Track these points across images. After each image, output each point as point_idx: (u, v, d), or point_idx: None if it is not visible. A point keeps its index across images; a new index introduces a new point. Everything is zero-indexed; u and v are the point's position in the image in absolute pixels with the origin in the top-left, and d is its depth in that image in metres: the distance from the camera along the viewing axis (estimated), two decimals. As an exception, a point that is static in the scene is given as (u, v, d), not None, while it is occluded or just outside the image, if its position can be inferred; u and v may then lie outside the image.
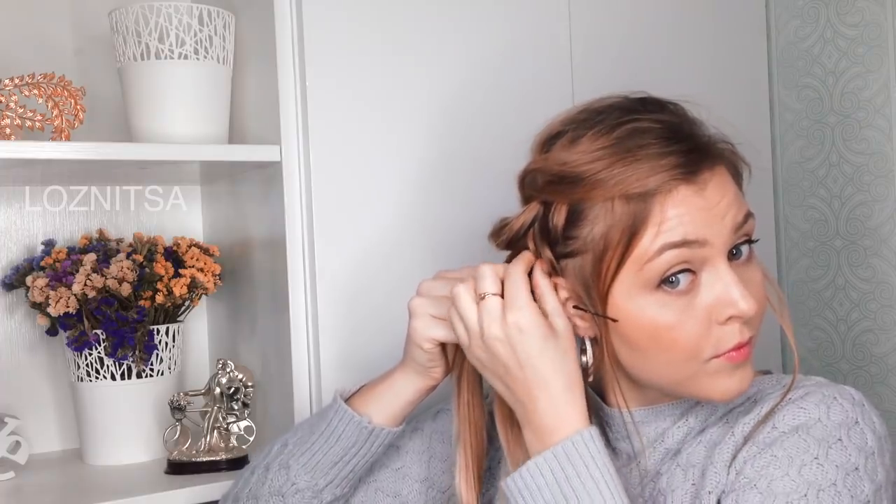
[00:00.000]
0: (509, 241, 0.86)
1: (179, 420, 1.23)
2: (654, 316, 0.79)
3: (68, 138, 1.12)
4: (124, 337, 1.21)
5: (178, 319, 1.30)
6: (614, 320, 0.80)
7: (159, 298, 1.23)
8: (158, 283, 1.24)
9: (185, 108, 1.20)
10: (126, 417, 1.26)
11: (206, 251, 1.31)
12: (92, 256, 1.23)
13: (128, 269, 1.22)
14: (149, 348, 1.24)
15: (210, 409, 1.23)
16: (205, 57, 1.20)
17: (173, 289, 1.24)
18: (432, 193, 1.22)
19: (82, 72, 1.33)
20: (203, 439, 1.22)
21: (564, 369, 0.80)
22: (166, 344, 1.27)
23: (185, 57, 1.19)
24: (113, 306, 1.20)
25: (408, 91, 1.21)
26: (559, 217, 0.81)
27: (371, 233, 1.19)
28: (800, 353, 1.60)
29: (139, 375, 1.25)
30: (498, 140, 1.25)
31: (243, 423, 1.24)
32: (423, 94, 1.22)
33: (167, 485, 1.15)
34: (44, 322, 1.27)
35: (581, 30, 1.34)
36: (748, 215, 0.81)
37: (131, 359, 1.24)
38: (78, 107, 1.14)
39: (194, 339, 1.45)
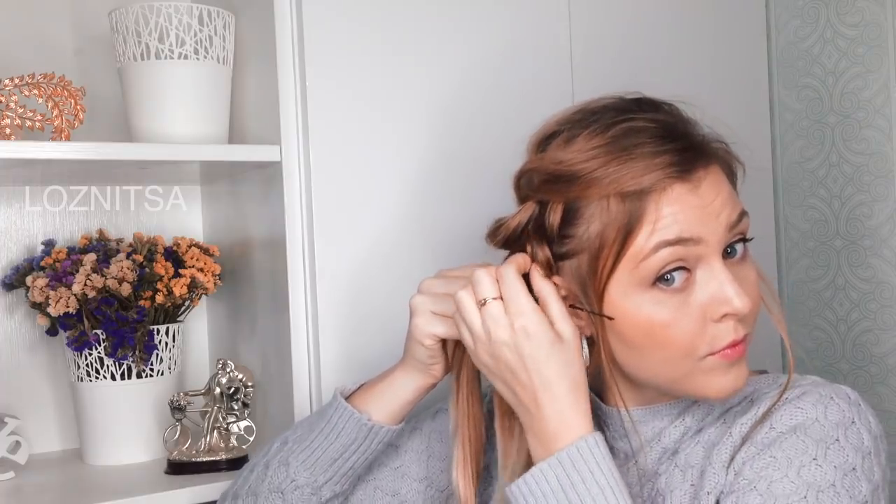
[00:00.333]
0: (505, 241, 0.86)
1: (179, 420, 1.23)
2: (650, 313, 0.79)
3: (68, 138, 1.12)
4: (124, 337, 1.21)
5: (178, 319, 1.30)
6: (610, 318, 0.81)
7: (159, 298, 1.24)
8: (158, 283, 1.24)
9: (185, 108, 1.20)
10: (126, 417, 1.26)
11: (206, 251, 1.31)
12: (92, 256, 1.23)
13: (128, 269, 1.22)
14: (149, 348, 1.24)
15: (210, 409, 1.23)
16: (205, 57, 1.20)
17: (173, 289, 1.24)
18: (432, 193, 1.22)
19: (82, 72, 1.33)
20: (203, 439, 1.22)
21: (570, 375, 0.80)
22: (166, 344, 1.27)
23: (185, 57, 1.19)
24: (113, 306, 1.20)
25: (408, 91, 1.21)
26: (555, 216, 0.82)
27: (371, 233, 1.19)
28: (800, 354, 1.60)
29: (139, 375, 1.25)
30: (498, 140, 1.25)
31: (243, 423, 1.24)
32: (423, 94, 1.22)
33: (167, 485, 1.15)
34: (44, 322, 1.27)
35: (581, 30, 1.34)
36: (742, 214, 0.82)
37: (131, 359, 1.24)
38: (78, 107, 1.14)
39: (194, 339, 1.45)
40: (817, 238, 1.57)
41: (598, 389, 0.91)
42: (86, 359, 1.24)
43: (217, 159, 1.18)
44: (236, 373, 1.24)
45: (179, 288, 1.24)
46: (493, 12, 1.27)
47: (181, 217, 1.44)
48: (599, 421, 0.91)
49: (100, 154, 1.09)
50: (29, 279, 1.24)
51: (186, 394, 1.24)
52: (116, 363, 1.24)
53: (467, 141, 1.24)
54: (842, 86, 1.52)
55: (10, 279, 1.29)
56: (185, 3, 1.19)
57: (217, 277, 1.29)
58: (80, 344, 1.22)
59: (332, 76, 1.17)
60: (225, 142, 1.25)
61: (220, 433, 1.23)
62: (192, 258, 1.28)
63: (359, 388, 0.96)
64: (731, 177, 0.85)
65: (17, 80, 1.11)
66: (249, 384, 1.24)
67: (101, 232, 1.33)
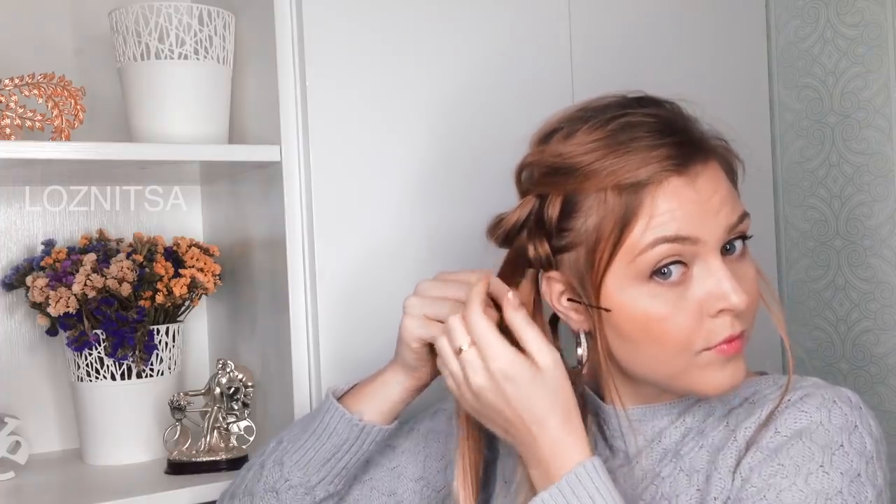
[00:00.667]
0: (506, 236, 0.87)
1: (179, 420, 1.23)
2: (646, 307, 0.79)
3: (68, 138, 1.12)
4: (124, 337, 1.21)
5: (178, 319, 1.30)
6: (607, 310, 0.81)
7: (159, 298, 1.24)
8: (158, 283, 1.24)
9: (185, 108, 1.20)
10: (126, 417, 1.26)
11: (206, 251, 1.31)
12: (92, 256, 1.23)
13: (128, 269, 1.22)
14: (149, 348, 1.24)
15: (210, 409, 1.23)
16: (205, 57, 1.20)
17: (173, 289, 1.24)
18: (432, 193, 1.22)
19: (82, 72, 1.33)
20: (203, 439, 1.22)
21: (559, 404, 0.80)
22: (166, 344, 1.27)
23: (185, 57, 1.19)
24: (113, 306, 1.20)
25: (408, 91, 1.21)
26: (554, 209, 0.82)
27: (371, 233, 1.19)
28: (800, 353, 1.60)
29: (139, 375, 1.25)
30: (498, 140, 1.25)
31: (243, 423, 1.24)
32: (423, 95, 1.22)
33: (167, 485, 1.15)
34: (44, 322, 1.27)
35: (581, 30, 1.34)
36: (743, 216, 0.82)
37: (131, 359, 1.24)
38: (78, 107, 1.14)
39: (194, 339, 1.45)
40: (817, 238, 1.57)
41: (597, 388, 0.91)
42: (86, 359, 1.24)
43: (217, 159, 1.18)
44: (236, 373, 1.24)
45: (179, 288, 1.24)
46: (493, 12, 1.27)
47: (181, 217, 1.44)
48: (599, 420, 0.91)
49: (100, 154, 1.09)
50: (29, 279, 1.24)
51: (186, 394, 1.24)
52: (116, 363, 1.24)
53: (467, 141, 1.25)
54: (842, 86, 1.52)
55: (10, 279, 1.29)
56: (185, 3, 1.19)
57: (217, 277, 1.29)
58: (80, 344, 1.22)
59: (332, 76, 1.17)
60: (225, 142, 1.25)
61: (220, 433, 1.23)
62: (192, 258, 1.28)
63: (351, 388, 0.97)
64: (731, 175, 0.85)
65: (17, 80, 1.11)
66: (249, 384, 1.24)
67: (101, 232, 1.33)
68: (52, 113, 1.12)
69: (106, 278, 1.21)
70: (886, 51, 1.47)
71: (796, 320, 1.60)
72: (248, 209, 1.30)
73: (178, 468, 1.20)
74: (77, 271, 1.21)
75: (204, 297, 1.39)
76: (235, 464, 1.19)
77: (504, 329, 0.82)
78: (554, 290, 0.86)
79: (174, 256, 1.28)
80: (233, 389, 1.23)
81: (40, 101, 1.12)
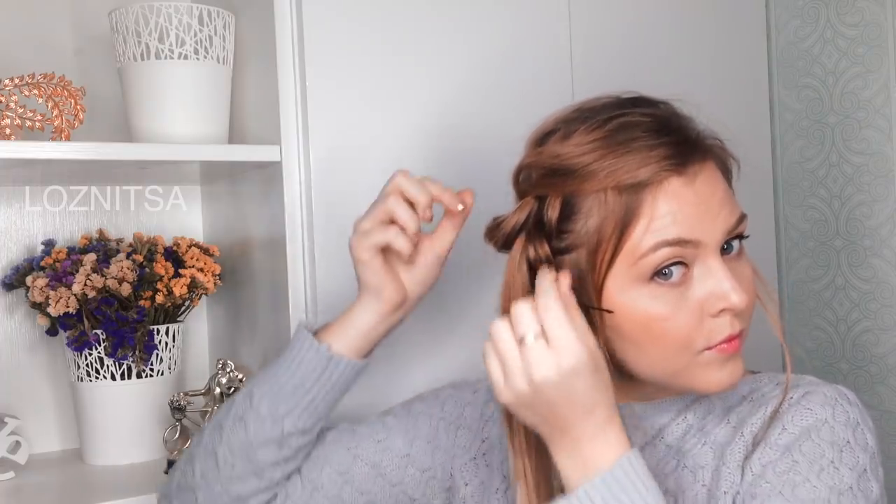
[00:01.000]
0: (505, 239, 0.86)
1: (179, 420, 1.23)
2: (647, 308, 0.80)
3: (68, 138, 1.12)
4: (124, 337, 1.21)
5: (178, 319, 1.30)
6: (609, 311, 0.81)
7: (159, 298, 1.24)
8: (158, 283, 1.24)
9: (185, 108, 1.20)
10: (126, 417, 1.26)
11: (206, 251, 1.31)
12: (92, 256, 1.23)
13: (128, 269, 1.22)
14: (149, 348, 1.24)
15: (210, 409, 1.23)
16: (205, 57, 1.20)
17: (173, 289, 1.24)
18: (432, 193, 1.22)
19: (82, 72, 1.33)
20: (203, 439, 1.22)
21: (606, 398, 0.77)
22: (166, 344, 1.27)
23: (185, 57, 1.19)
24: (113, 306, 1.20)
25: (408, 91, 1.21)
26: (553, 211, 0.82)
27: (371, 233, 1.19)
28: (800, 353, 1.60)
29: (139, 375, 1.26)
30: (498, 140, 1.24)
31: (243, 423, 1.24)
32: (423, 95, 1.22)
33: (167, 485, 1.15)
34: (44, 322, 1.27)
35: (581, 30, 1.34)
36: (741, 218, 0.83)
37: (131, 359, 1.24)
38: (78, 107, 1.14)
39: (194, 339, 1.45)
40: (817, 238, 1.57)
41: None
42: (86, 359, 1.24)
43: (217, 159, 1.18)
44: (236, 373, 1.24)
45: (179, 288, 1.24)
46: (493, 12, 1.27)
47: (181, 217, 1.44)
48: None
49: (100, 154, 1.09)
50: (29, 279, 1.24)
51: (186, 394, 1.24)
52: (116, 363, 1.24)
53: (467, 141, 1.24)
54: (842, 86, 1.52)
55: (10, 279, 1.29)
56: (185, 3, 1.19)
57: (217, 277, 1.29)
58: (80, 344, 1.22)
59: (332, 76, 1.17)
60: (225, 142, 1.25)
61: (220, 433, 1.23)
62: (192, 258, 1.28)
63: (324, 325, 0.97)
64: (727, 174, 0.85)
65: (17, 80, 1.11)
66: (249, 384, 1.24)
67: (101, 232, 1.33)
68: (52, 113, 1.12)
69: (106, 278, 1.21)
70: (886, 51, 1.47)
71: (796, 320, 1.60)
72: (248, 209, 1.30)
73: (178, 468, 1.20)
74: (77, 271, 1.21)
75: (204, 297, 1.39)
76: (235, 464, 1.19)
77: None
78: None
79: (174, 256, 1.28)
80: (233, 389, 1.23)
81: (40, 101, 1.12)
